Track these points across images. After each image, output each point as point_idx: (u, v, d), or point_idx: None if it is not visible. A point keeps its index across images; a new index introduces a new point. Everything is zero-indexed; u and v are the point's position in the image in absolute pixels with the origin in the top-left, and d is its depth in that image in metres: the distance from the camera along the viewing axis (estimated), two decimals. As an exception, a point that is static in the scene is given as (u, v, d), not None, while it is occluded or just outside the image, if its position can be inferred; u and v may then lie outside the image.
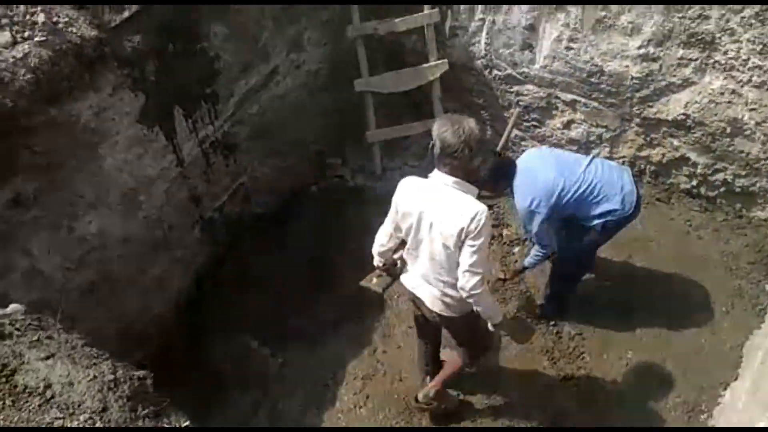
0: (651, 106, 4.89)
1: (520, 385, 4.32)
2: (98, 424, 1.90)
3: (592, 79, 4.94)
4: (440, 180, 3.10)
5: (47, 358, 2.07)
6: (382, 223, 5.25)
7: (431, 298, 3.36)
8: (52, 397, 1.97)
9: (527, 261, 4.27)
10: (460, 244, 3.01)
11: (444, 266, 3.18)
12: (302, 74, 5.29)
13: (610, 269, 4.80)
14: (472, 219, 2.95)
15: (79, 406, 1.95)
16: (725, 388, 4.11)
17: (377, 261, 3.64)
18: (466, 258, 3.01)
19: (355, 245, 5.14)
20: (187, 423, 2.05)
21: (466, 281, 3.04)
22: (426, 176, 3.21)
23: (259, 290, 4.91)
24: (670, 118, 4.83)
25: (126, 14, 3.72)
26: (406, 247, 3.38)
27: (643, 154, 5.18)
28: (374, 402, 4.30)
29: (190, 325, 4.75)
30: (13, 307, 2.30)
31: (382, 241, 3.51)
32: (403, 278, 3.53)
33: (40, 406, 1.96)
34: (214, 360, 4.54)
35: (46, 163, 3.47)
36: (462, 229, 2.96)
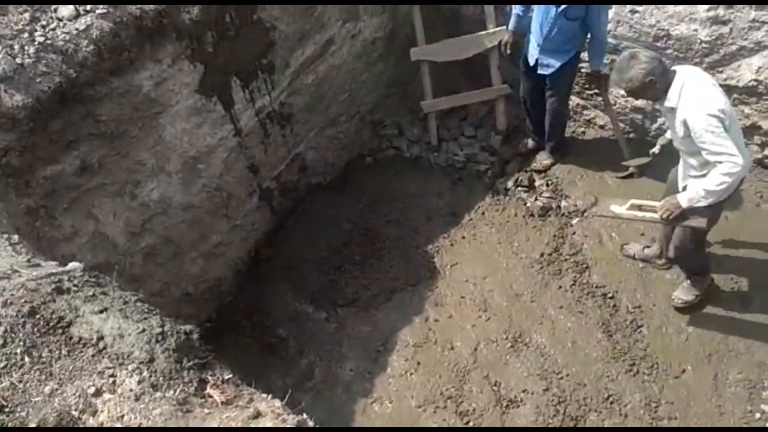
0: (721, 72, 4.65)
1: (574, 358, 4.27)
2: (145, 374, 2.01)
3: (659, 44, 4.74)
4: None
5: (101, 311, 2.19)
6: (438, 193, 5.31)
7: None
8: (105, 348, 2.09)
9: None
10: None
11: None
12: (358, 44, 5.30)
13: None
14: None
15: (128, 356, 2.06)
16: (790, 366, 3.94)
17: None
18: None
19: (410, 216, 5.20)
20: (230, 376, 2.13)
21: None
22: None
23: (315, 258, 5.03)
24: (740, 84, 4.59)
25: (184, -14, 3.82)
26: None
27: (712, 122, 4.95)
28: (425, 369, 4.34)
29: (249, 290, 4.91)
30: (72, 265, 2.44)
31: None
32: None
33: (93, 356, 2.08)
34: (273, 323, 4.70)
35: (109, 131, 3.63)
36: None
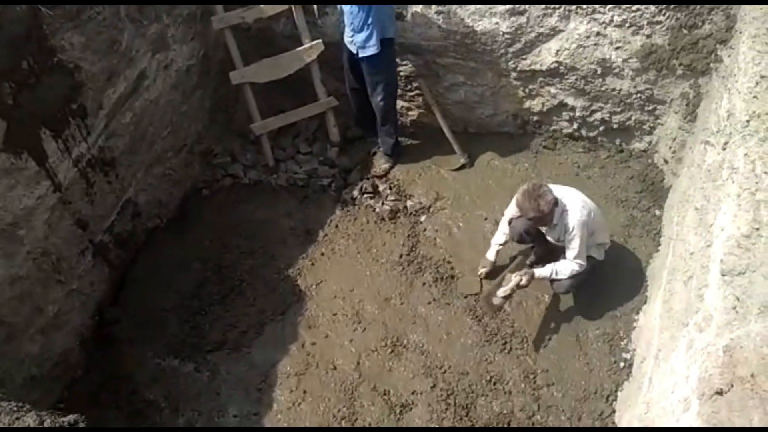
0: (525, 59, 5.04)
1: (452, 349, 4.38)
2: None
3: (466, 41, 5.02)
4: None
5: (-40, 425, 1.83)
6: (287, 214, 5.20)
7: None
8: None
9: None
10: None
11: None
12: (172, 74, 5.00)
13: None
14: None
15: (11, 469, 1.74)
16: (638, 313, 4.36)
17: None
18: None
19: (261, 242, 5.01)
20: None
21: None
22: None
23: (169, 307, 4.67)
24: (544, 67, 5.00)
25: (-31, 36, 3.35)
26: None
27: (525, 106, 5.35)
28: (312, 396, 4.22)
29: (102, 357, 4.43)
30: None
31: None
32: None
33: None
34: (137, 387, 4.28)
35: None
36: None
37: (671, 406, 2.83)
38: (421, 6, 4.94)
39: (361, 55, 4.90)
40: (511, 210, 4.41)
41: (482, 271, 4.69)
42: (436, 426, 4.06)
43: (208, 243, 5.04)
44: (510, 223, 4.47)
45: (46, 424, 1.84)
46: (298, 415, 4.14)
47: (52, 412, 1.92)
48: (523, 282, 4.18)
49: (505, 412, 4.10)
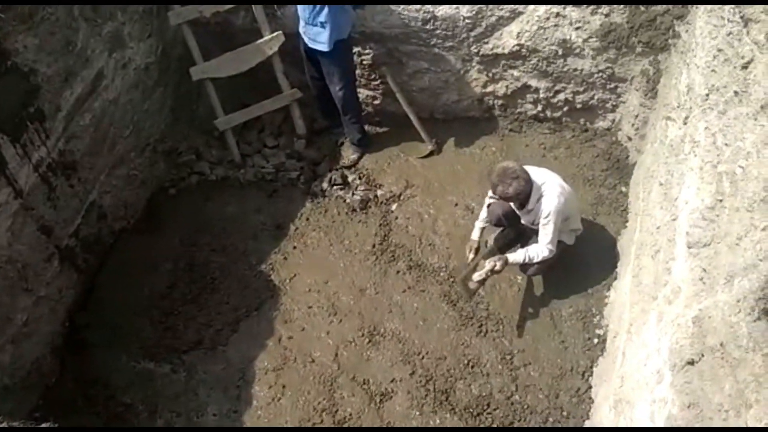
0: (487, 43, 5.04)
1: (429, 335, 4.41)
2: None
3: (428, 26, 5.01)
4: None
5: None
6: (256, 209, 5.16)
7: None
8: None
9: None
10: None
11: None
12: (131, 72, 4.91)
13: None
14: None
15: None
16: (609, 289, 4.43)
17: None
18: None
19: (234, 239, 4.98)
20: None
21: None
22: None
23: (141, 309, 4.61)
24: (506, 51, 5.02)
25: None
26: None
27: (489, 90, 5.36)
28: (291, 390, 4.22)
29: (76, 363, 4.37)
30: None
31: None
32: None
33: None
34: (114, 392, 4.24)
35: None
36: None
37: (645, 379, 2.89)
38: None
39: (311, 46, 4.88)
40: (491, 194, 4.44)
41: (470, 256, 4.55)
42: (417, 412, 4.08)
43: (178, 242, 4.98)
44: (489, 206, 4.50)
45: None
46: (279, 410, 4.13)
47: (25, 422, 1.88)
48: (497, 267, 4.19)
49: (484, 394, 4.14)
